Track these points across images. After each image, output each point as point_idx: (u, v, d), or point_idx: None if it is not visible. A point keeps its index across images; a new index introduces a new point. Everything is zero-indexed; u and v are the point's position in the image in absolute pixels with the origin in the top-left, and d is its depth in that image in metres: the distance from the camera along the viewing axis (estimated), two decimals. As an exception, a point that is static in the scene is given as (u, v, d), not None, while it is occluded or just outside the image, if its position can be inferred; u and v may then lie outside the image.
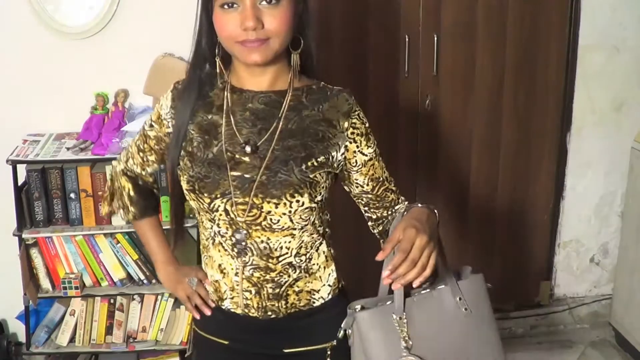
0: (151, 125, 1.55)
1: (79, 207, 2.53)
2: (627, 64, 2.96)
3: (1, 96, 2.66)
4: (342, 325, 1.42)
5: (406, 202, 1.53)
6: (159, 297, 2.66)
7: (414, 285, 1.31)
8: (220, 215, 1.41)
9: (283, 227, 1.41)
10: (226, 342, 1.55)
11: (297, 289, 1.47)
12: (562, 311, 3.23)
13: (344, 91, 1.46)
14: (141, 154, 1.59)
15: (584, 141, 3.04)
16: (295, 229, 1.42)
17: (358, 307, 1.39)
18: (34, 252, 2.58)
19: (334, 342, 1.45)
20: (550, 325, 3.23)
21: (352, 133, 1.43)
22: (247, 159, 1.40)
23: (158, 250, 1.72)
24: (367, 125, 1.46)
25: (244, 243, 1.42)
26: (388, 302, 1.39)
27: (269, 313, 1.47)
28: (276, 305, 1.46)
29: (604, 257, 3.21)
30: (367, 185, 1.48)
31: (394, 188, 1.53)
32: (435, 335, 1.37)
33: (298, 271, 1.46)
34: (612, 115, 3.02)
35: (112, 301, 2.66)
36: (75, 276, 2.58)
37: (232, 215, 1.40)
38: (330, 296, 1.50)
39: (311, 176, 1.39)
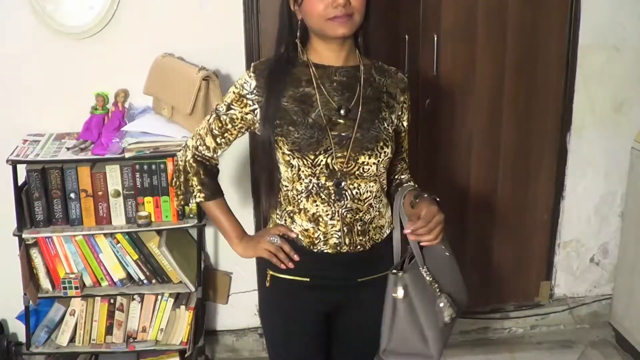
0: (229, 108, 1.77)
1: (79, 207, 2.53)
2: (627, 64, 2.96)
3: (1, 96, 2.66)
4: (391, 282, 1.76)
5: (411, 180, 1.91)
6: (159, 297, 2.67)
7: (421, 245, 1.71)
8: (322, 168, 1.70)
9: (371, 174, 1.74)
10: (307, 279, 1.80)
11: (374, 225, 1.80)
12: (562, 311, 3.23)
13: (399, 71, 1.87)
14: (217, 138, 1.81)
15: (584, 141, 3.04)
16: (377, 175, 1.76)
17: (399, 272, 1.76)
18: (34, 252, 2.58)
19: (393, 271, 1.77)
20: (550, 325, 3.23)
21: (405, 106, 1.86)
22: (341, 120, 1.72)
23: (230, 227, 1.88)
24: (410, 102, 1.87)
25: (342, 191, 1.72)
26: (410, 262, 1.79)
27: (358, 247, 1.78)
28: (363, 240, 1.78)
29: (604, 257, 3.21)
30: (395, 149, 1.81)
31: (406, 158, 1.95)
32: (441, 275, 1.81)
33: (375, 210, 1.79)
34: (612, 115, 3.02)
35: (112, 301, 2.67)
36: (75, 276, 2.58)
37: (332, 168, 1.70)
38: (388, 231, 1.84)
39: (391, 132, 1.78)
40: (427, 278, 1.77)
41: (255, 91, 1.74)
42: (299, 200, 1.75)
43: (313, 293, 1.81)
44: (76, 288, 2.57)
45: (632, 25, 2.92)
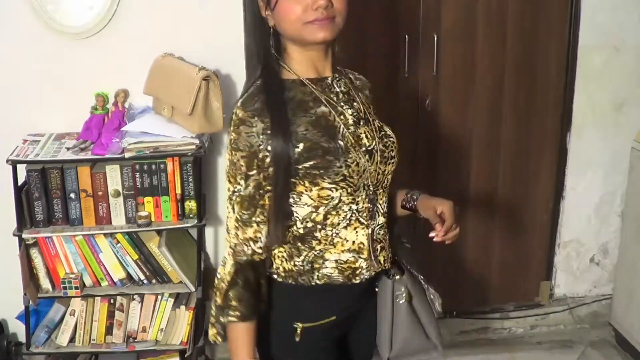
0: (248, 178, 1.48)
1: (79, 207, 2.53)
2: (627, 64, 2.96)
3: (1, 96, 2.66)
4: (392, 288, 1.67)
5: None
6: (159, 297, 2.67)
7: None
8: (361, 191, 1.55)
9: (389, 184, 1.64)
10: (334, 317, 1.63)
11: (388, 237, 1.67)
12: (562, 311, 3.23)
13: (360, 74, 1.72)
14: (252, 224, 1.50)
15: (584, 141, 3.04)
16: (390, 184, 1.65)
17: (400, 275, 1.69)
18: (34, 252, 2.58)
19: (397, 277, 1.68)
20: (550, 325, 3.23)
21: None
22: (362, 134, 1.57)
23: (246, 356, 1.57)
24: None
25: (375, 207, 1.59)
26: (406, 271, 1.72)
27: (385, 264, 1.65)
28: (385, 256, 1.65)
29: (604, 257, 3.21)
30: None
31: None
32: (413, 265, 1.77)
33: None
34: (612, 115, 3.02)
35: (112, 301, 2.66)
36: (75, 276, 2.58)
37: (368, 186, 1.56)
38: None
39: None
40: (414, 272, 1.72)
41: (264, 136, 1.47)
42: (335, 233, 1.55)
43: (337, 330, 1.67)
44: (76, 288, 2.57)
45: (632, 25, 2.92)
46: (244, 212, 1.50)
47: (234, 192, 1.50)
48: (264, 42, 1.54)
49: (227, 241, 1.54)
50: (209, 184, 2.81)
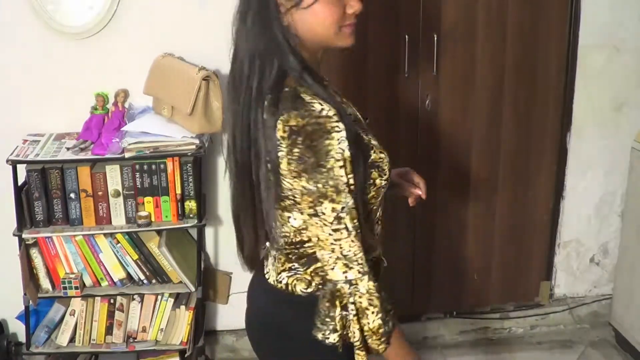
0: (349, 186, 1.35)
1: (79, 207, 2.53)
2: (627, 64, 2.96)
3: (1, 96, 2.66)
4: None
5: None
6: (159, 297, 2.67)
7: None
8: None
9: None
10: None
11: None
12: (562, 311, 3.23)
13: None
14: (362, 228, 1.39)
15: (584, 141, 3.04)
16: None
17: None
18: (34, 252, 2.58)
19: None
20: (550, 325, 3.23)
21: None
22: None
23: (414, 353, 1.52)
24: None
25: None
26: None
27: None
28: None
29: (604, 257, 3.21)
30: None
31: None
32: None
33: None
34: (612, 115, 3.02)
35: (112, 301, 2.67)
36: (75, 276, 2.58)
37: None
38: None
39: None
40: None
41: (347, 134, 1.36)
42: (375, 230, 1.51)
43: None
44: (76, 288, 2.57)
45: (632, 25, 2.92)
46: (355, 221, 1.37)
47: (342, 208, 1.34)
48: (289, 40, 1.40)
49: (350, 261, 1.37)
50: (209, 184, 2.81)
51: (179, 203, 2.55)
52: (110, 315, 2.67)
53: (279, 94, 1.36)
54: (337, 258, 1.37)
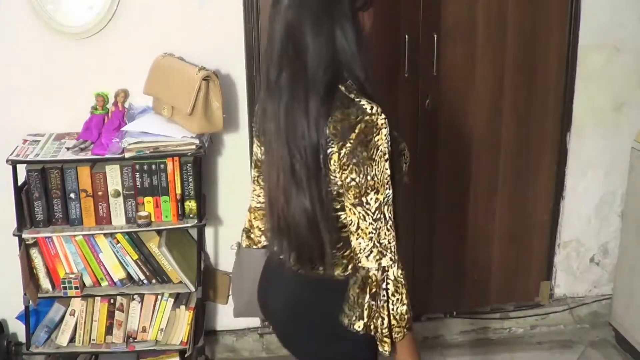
0: (391, 179, 1.46)
1: (79, 207, 2.53)
2: (627, 64, 2.96)
3: (1, 96, 2.66)
4: None
5: None
6: (159, 297, 2.67)
7: None
8: None
9: None
10: None
11: None
12: (562, 311, 3.23)
13: None
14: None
15: (584, 141, 3.04)
16: None
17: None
18: (34, 252, 2.58)
19: None
20: (550, 325, 3.23)
21: None
22: None
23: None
24: None
25: None
26: None
27: None
28: None
29: (604, 257, 3.21)
30: None
31: None
32: None
33: None
34: (612, 115, 3.02)
35: (112, 301, 2.67)
36: (75, 276, 2.58)
37: None
38: None
39: None
40: None
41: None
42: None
43: None
44: (76, 288, 2.57)
45: (632, 25, 2.92)
46: (392, 211, 1.46)
47: (385, 197, 1.44)
48: (356, 40, 1.45)
49: (385, 249, 1.46)
50: (209, 184, 2.81)
51: (179, 203, 2.55)
52: (110, 315, 2.67)
53: (333, 93, 1.43)
54: (374, 246, 1.45)
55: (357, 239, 1.46)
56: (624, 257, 3.04)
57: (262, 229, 1.77)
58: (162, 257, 2.61)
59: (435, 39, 2.79)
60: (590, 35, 2.90)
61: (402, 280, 1.47)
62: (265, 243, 1.77)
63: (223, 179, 2.84)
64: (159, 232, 2.65)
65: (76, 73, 2.66)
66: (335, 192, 1.48)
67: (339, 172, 1.44)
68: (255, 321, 3.04)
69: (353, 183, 1.43)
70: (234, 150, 2.81)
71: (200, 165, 2.57)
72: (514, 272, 3.18)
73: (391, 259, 1.46)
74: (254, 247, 1.80)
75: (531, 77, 2.94)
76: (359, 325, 1.48)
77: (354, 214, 1.45)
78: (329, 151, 1.43)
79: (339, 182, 1.45)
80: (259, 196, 1.75)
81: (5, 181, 2.48)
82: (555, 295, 3.24)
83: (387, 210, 1.45)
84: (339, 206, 1.49)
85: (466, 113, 2.94)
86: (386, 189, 1.44)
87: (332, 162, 1.44)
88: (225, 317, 3.02)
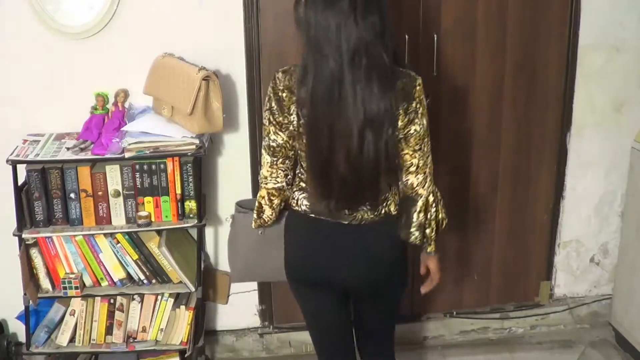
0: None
1: (79, 207, 2.53)
2: (627, 64, 2.96)
3: (1, 96, 2.66)
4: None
5: None
6: (159, 297, 2.67)
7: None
8: None
9: None
10: None
11: None
12: (562, 311, 3.23)
13: None
14: None
15: (584, 141, 3.04)
16: None
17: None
18: (34, 252, 2.58)
19: None
20: (550, 325, 3.23)
21: None
22: None
23: None
24: None
25: None
26: None
27: None
28: None
29: (604, 257, 3.21)
30: None
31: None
32: None
33: None
34: (612, 115, 3.02)
35: (112, 301, 2.67)
36: (75, 276, 2.58)
37: None
38: None
39: None
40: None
41: None
42: None
43: None
44: (76, 288, 2.57)
45: (632, 25, 2.92)
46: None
47: (429, 139, 1.94)
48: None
49: (432, 175, 1.96)
50: (209, 184, 2.81)
51: (179, 203, 2.55)
52: (110, 315, 2.67)
53: (392, 68, 1.82)
54: (430, 174, 1.94)
55: (415, 175, 1.92)
56: (624, 257, 3.04)
57: (277, 205, 2.02)
58: (162, 257, 2.61)
59: (435, 38, 2.79)
60: (590, 35, 2.90)
61: (439, 194, 1.99)
62: (273, 219, 2.03)
63: (223, 179, 2.84)
64: (159, 232, 2.65)
65: (76, 73, 2.66)
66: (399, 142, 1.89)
67: (402, 127, 1.86)
68: (255, 321, 3.04)
69: (415, 133, 1.89)
70: (234, 150, 2.81)
71: (200, 165, 2.57)
72: (514, 272, 3.18)
73: (433, 182, 1.96)
74: (265, 226, 2.04)
75: (531, 77, 2.94)
76: (416, 237, 1.97)
77: (415, 157, 1.91)
78: (397, 113, 1.83)
79: (400, 136, 1.86)
80: (278, 177, 1.98)
81: (5, 181, 2.48)
82: (555, 295, 3.24)
83: (429, 147, 1.94)
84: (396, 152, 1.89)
85: (466, 113, 2.94)
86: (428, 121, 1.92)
87: (399, 118, 1.84)
88: (225, 317, 3.03)
